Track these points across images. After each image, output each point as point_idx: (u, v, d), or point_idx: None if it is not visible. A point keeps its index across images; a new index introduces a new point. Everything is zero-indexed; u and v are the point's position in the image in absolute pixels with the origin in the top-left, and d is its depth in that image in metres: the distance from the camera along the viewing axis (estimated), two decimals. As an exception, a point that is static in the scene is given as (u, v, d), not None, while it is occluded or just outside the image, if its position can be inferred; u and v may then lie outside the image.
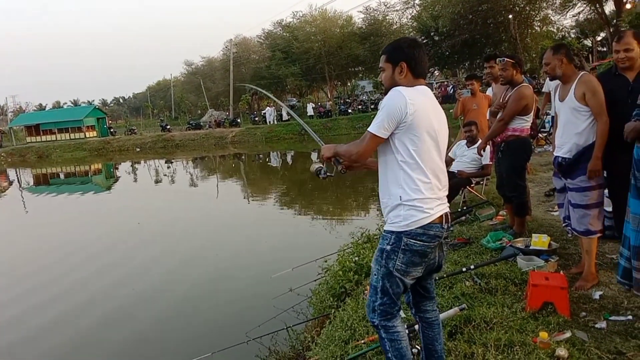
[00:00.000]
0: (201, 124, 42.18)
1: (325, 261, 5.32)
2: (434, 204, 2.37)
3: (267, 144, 32.65)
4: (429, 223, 2.33)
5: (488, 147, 5.01)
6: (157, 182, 21.68)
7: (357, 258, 5.20)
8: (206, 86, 56.64)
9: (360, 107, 36.16)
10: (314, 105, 38.15)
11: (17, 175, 30.62)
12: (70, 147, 38.80)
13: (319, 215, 11.45)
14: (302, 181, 17.61)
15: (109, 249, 9.70)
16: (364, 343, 3.23)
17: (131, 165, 29.74)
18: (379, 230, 6.97)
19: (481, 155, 5.92)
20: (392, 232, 2.36)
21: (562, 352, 2.67)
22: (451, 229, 2.42)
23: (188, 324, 5.76)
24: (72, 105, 65.87)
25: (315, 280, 5.35)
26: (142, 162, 30.86)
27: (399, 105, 2.28)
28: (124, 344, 5.47)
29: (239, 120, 40.31)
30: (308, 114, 36.61)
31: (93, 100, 65.00)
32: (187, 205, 14.74)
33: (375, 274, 2.43)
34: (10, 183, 27.38)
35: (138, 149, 36.38)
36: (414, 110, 2.29)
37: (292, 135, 33.18)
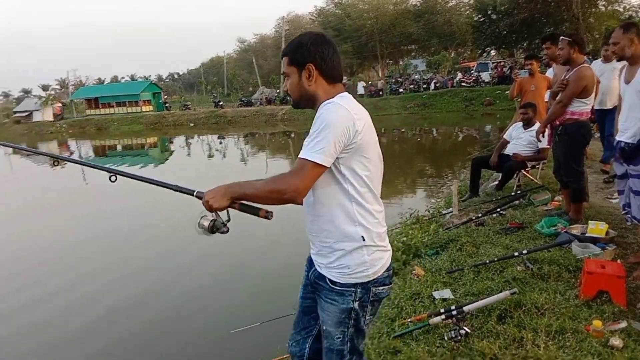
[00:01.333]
0: (252, 101, 42.66)
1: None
2: (387, 237, 2.05)
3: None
4: (390, 262, 2.02)
5: (547, 130, 4.85)
6: (209, 156, 22.20)
7: (405, 238, 5.19)
8: (258, 63, 57.06)
9: (412, 86, 35.58)
10: (364, 84, 37.79)
11: (77, 147, 32.02)
12: (127, 120, 40.10)
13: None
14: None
15: (164, 219, 10.03)
16: (410, 321, 3.25)
17: (185, 140, 30.51)
18: (428, 211, 6.92)
19: (539, 140, 5.74)
20: (356, 284, 1.92)
21: (616, 341, 2.60)
22: None
23: (248, 290, 5.96)
24: (129, 79, 67.77)
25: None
26: (196, 137, 31.57)
27: (345, 123, 1.79)
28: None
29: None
30: (358, 93, 36.35)
31: (149, 76, 66.66)
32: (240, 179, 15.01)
33: (339, 337, 1.98)
34: (72, 153, 28.68)
35: (192, 124, 37.22)
36: (363, 126, 1.84)
37: (342, 114, 33.00)
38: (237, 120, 36.96)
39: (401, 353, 2.84)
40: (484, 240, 4.60)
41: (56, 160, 2.29)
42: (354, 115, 1.82)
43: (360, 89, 36.68)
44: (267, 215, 1.91)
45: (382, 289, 1.98)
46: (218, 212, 1.93)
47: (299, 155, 1.81)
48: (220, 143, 28.00)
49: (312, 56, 1.93)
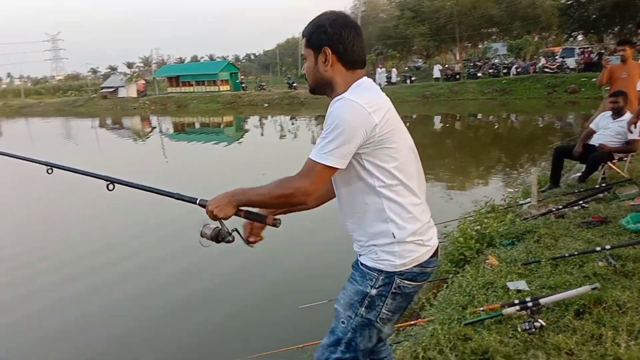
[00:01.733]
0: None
1: (445, 227, 5.28)
2: (431, 232, 1.90)
3: (389, 105, 32.21)
4: (429, 258, 1.86)
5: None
6: (281, 137, 22.59)
7: (479, 227, 5.09)
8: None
9: (491, 71, 34.26)
10: (440, 67, 36.84)
11: (158, 123, 33.56)
12: (205, 98, 41.43)
13: (437, 182, 11.25)
14: (421, 145, 17.22)
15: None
16: (482, 310, 3.21)
17: (259, 120, 31.19)
18: (504, 201, 6.73)
19: (630, 131, 5.40)
20: (381, 271, 1.81)
21: None
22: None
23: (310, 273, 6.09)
24: (208, 59, 69.78)
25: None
26: (269, 117, 32.20)
27: (359, 119, 1.67)
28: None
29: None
30: (434, 76, 35.52)
31: (227, 56, 68.49)
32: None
33: (343, 322, 1.85)
34: (153, 129, 30.12)
35: (266, 105, 37.91)
36: (381, 118, 1.71)
37: (416, 98, 32.48)
38: (310, 102, 37.14)
39: (472, 341, 2.82)
40: (564, 233, 4.43)
41: (50, 168, 2.21)
42: (368, 108, 1.68)
43: (437, 72, 35.80)
44: (275, 223, 1.83)
45: (409, 284, 1.82)
46: (222, 220, 1.83)
47: (309, 156, 1.71)
48: (292, 124, 28.38)
49: (329, 39, 1.79)
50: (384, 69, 38.12)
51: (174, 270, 6.48)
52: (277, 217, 1.84)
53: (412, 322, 3.57)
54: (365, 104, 1.68)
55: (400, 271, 1.79)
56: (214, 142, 22.00)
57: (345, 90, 1.78)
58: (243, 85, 46.01)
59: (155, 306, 5.63)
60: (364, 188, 1.79)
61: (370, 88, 1.81)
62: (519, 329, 2.83)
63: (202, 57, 75.74)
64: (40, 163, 2.22)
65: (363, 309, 1.82)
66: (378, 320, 1.83)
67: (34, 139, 26.91)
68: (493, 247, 4.61)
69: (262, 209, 1.86)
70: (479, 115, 26.44)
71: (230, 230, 1.88)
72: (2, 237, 8.66)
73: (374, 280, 1.81)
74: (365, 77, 1.85)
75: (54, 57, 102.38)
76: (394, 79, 36.77)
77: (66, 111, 44.49)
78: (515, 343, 2.74)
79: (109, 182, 2.07)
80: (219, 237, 1.87)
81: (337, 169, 1.70)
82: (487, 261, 4.11)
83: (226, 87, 45.18)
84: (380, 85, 35.18)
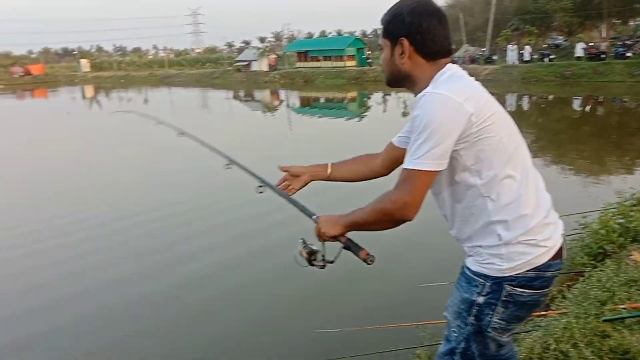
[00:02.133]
0: (455, 59, 41.08)
1: (584, 217, 4.93)
2: (550, 230, 1.62)
3: (524, 85, 30.32)
4: (547, 261, 1.60)
5: None
6: (403, 114, 22.30)
7: (622, 220, 4.69)
8: (464, 20, 54.54)
9: (643, 50, 30.67)
10: (584, 46, 33.72)
11: (286, 96, 34.77)
12: (331, 74, 41.97)
13: (572, 169, 10.47)
14: (556, 130, 16.17)
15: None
16: (623, 308, 3.00)
17: (382, 96, 31.02)
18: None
19: None
20: (487, 276, 1.61)
21: None
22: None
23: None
24: (335, 34, 70.50)
25: (568, 235, 5.03)
26: (392, 93, 31.86)
27: (451, 113, 1.50)
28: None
29: (494, 57, 38.12)
30: (576, 55, 32.63)
31: (354, 31, 68.55)
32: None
33: (454, 331, 1.73)
34: (281, 102, 31.31)
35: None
36: (476, 106, 1.52)
37: (554, 78, 30.09)
38: (437, 79, 36.11)
39: (610, 338, 2.65)
40: None
41: (229, 163, 2.33)
42: (458, 97, 1.50)
43: (579, 51, 32.84)
44: (367, 259, 1.72)
45: (523, 292, 1.59)
46: (325, 242, 1.80)
47: (402, 165, 1.58)
48: (417, 101, 27.84)
49: (406, 29, 1.63)
50: (516, 46, 35.78)
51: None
52: (371, 254, 1.73)
53: (543, 313, 3.42)
54: (453, 93, 1.51)
55: (509, 276, 1.58)
56: (337, 117, 22.36)
57: (428, 85, 1.61)
58: (369, 60, 45.80)
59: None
60: (466, 187, 1.61)
61: (456, 76, 1.62)
62: (668, 333, 2.61)
63: (330, 32, 76.69)
64: (222, 155, 2.36)
65: (472, 317, 1.66)
66: (490, 329, 1.65)
67: (175, 108, 29.28)
68: (638, 243, 4.24)
69: (371, 230, 1.71)
70: (626, 99, 23.94)
71: (324, 257, 1.82)
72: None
73: (480, 286, 1.63)
74: (450, 64, 1.66)
75: (194, 30, 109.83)
76: (527, 56, 34.36)
77: (203, 82, 47.65)
78: (662, 347, 2.53)
79: (259, 186, 2.16)
80: (311, 257, 1.83)
81: (436, 172, 1.55)
82: (631, 257, 3.81)
83: (352, 63, 45.32)
84: (511, 63, 33.41)
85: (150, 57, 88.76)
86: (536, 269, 1.58)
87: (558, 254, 1.64)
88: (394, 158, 2.02)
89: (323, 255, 1.83)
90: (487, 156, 1.56)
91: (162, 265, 6.21)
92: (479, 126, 1.52)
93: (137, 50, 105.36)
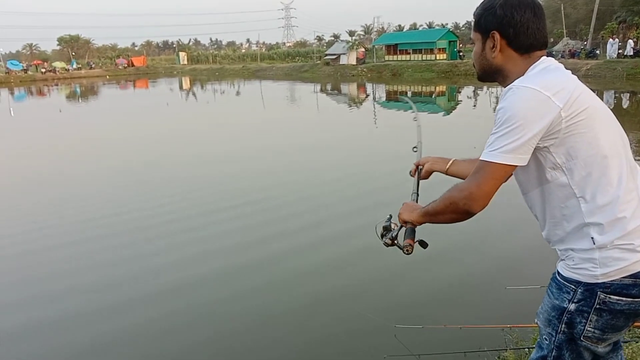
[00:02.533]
0: (554, 53, 38.93)
1: None
2: None
3: (628, 81, 28.10)
4: None
5: None
6: (495, 110, 21.45)
7: None
8: (566, 12, 51.37)
9: None
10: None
11: (372, 90, 34.63)
12: (421, 67, 41.27)
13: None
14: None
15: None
16: None
17: (473, 91, 30.05)
18: None
19: None
20: (579, 282, 1.53)
21: None
22: None
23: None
24: (426, 27, 69.11)
25: None
26: (485, 88, 30.77)
27: (536, 106, 1.44)
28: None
29: (597, 51, 35.60)
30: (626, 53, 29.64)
31: (446, 24, 66.82)
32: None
33: (546, 339, 1.65)
34: (367, 96, 31.23)
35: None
36: (567, 100, 1.44)
37: (663, 74, 27.65)
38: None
39: None
40: None
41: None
42: (546, 91, 1.44)
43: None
44: (404, 248, 1.73)
45: (619, 300, 1.48)
46: (402, 226, 1.82)
47: (480, 157, 1.54)
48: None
49: (498, 22, 1.59)
50: (616, 40, 33.16)
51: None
52: (411, 247, 1.74)
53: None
54: (542, 87, 1.45)
55: (602, 282, 1.48)
56: (424, 111, 21.95)
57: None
58: (461, 53, 44.51)
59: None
60: (557, 186, 1.54)
61: (549, 68, 1.56)
62: None
63: (421, 25, 75.25)
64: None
65: (563, 325, 1.58)
66: (583, 339, 1.56)
67: (265, 99, 30.11)
68: None
69: (441, 221, 1.72)
70: None
71: (393, 237, 1.83)
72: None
73: (571, 293, 1.55)
74: (544, 57, 1.60)
75: (286, 25, 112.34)
76: (629, 51, 31.74)
77: (293, 75, 48.62)
78: None
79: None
80: (384, 232, 1.86)
81: (512, 167, 1.49)
82: None
83: (443, 56, 44.28)
84: (610, 58, 31.00)
85: (243, 50, 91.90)
86: (633, 276, 1.47)
87: None
88: None
89: (393, 236, 1.83)
90: (580, 154, 1.48)
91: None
92: (569, 121, 1.45)
93: (231, 44, 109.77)
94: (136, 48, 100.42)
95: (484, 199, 1.51)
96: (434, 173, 2.28)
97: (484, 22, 1.64)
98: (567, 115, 1.45)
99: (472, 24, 1.72)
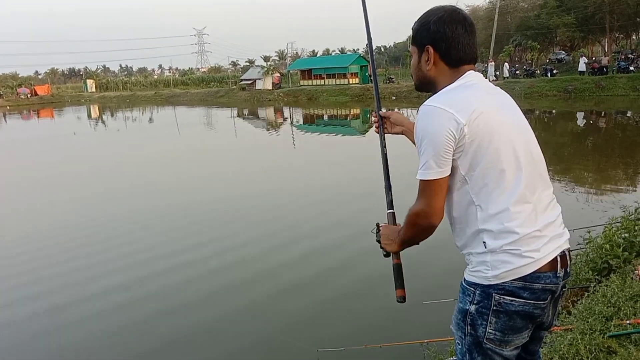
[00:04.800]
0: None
1: (588, 232, 4.90)
2: (540, 242, 1.60)
3: (526, 100, 30.31)
4: (535, 272, 1.58)
5: None
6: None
7: (627, 234, 4.66)
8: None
9: (647, 64, 30.70)
10: (586, 60, 33.82)
11: (289, 114, 34.94)
12: (335, 91, 42.21)
13: (576, 183, 10.42)
14: (560, 144, 16.12)
15: (351, 183, 10.47)
16: (629, 324, 2.96)
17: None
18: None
19: None
20: (477, 284, 1.64)
21: None
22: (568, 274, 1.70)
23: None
24: (339, 53, 70.96)
25: (572, 250, 4.96)
26: (396, 109, 31.99)
27: (443, 124, 1.57)
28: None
29: (497, 73, 38.29)
30: (579, 70, 32.71)
31: (357, 49, 68.90)
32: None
33: (459, 343, 1.73)
34: (285, 119, 31.45)
35: (394, 97, 37.64)
36: (469, 116, 1.56)
37: (557, 93, 30.14)
38: (439, 95, 36.18)
39: (616, 355, 2.63)
40: None
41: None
42: (450, 109, 1.57)
43: (582, 66, 32.93)
44: (398, 298, 1.88)
45: (512, 300, 1.59)
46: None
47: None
48: (421, 117, 27.88)
49: (431, 37, 1.70)
50: (492, 63, 36.27)
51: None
52: (402, 295, 1.90)
53: (547, 329, 3.38)
54: (447, 105, 1.59)
55: (496, 284, 1.59)
56: (340, 134, 22.45)
57: None
58: (372, 78, 46.00)
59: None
60: (461, 195, 1.66)
61: (464, 85, 1.68)
62: (674, 348, 2.58)
63: (334, 51, 77.10)
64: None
65: (468, 327, 1.66)
66: (486, 341, 1.64)
67: (180, 125, 29.44)
68: (643, 258, 4.20)
69: (417, 242, 1.81)
70: (629, 114, 23.93)
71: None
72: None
73: (471, 295, 1.65)
74: (470, 72, 1.72)
75: (199, 50, 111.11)
76: (505, 73, 34.92)
77: (208, 101, 48.02)
78: (669, 363, 2.49)
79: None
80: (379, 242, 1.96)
81: (442, 179, 1.61)
82: (636, 272, 3.76)
83: (355, 80, 45.60)
84: (489, 79, 33.59)
85: (155, 76, 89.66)
86: (523, 279, 1.58)
87: (551, 267, 1.61)
88: None
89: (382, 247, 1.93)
90: (479, 166, 1.60)
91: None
92: (472, 136, 1.57)
93: (142, 70, 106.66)
94: (40, 76, 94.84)
95: (438, 211, 1.65)
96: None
97: (420, 36, 1.75)
98: (471, 130, 1.56)
99: (410, 37, 1.83)
